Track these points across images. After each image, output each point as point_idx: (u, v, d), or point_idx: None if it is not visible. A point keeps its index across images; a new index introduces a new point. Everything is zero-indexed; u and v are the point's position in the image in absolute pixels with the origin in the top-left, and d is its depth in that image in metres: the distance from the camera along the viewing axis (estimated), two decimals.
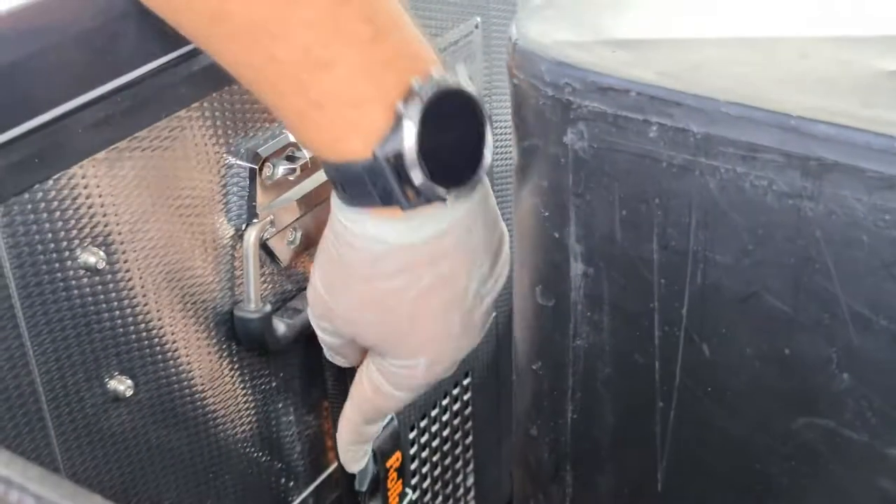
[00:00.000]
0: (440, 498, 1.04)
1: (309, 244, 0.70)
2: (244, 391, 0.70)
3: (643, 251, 0.48)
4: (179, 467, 0.66)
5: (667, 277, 0.48)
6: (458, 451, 1.04)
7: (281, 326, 0.68)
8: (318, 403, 0.78)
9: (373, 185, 0.50)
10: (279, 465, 0.76)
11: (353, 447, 0.72)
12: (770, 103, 0.43)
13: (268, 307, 0.66)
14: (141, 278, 0.59)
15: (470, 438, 1.05)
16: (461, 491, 1.07)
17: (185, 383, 0.64)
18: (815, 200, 0.42)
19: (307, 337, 0.73)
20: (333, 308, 0.58)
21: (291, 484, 0.78)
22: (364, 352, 0.64)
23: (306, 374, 0.75)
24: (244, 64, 0.51)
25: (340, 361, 0.67)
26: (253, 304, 0.66)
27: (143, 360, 0.61)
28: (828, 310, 0.43)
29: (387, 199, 0.50)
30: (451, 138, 0.51)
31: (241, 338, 0.67)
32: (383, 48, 0.49)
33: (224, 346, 0.67)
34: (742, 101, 0.43)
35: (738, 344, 0.47)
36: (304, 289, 0.72)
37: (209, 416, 0.67)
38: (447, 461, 1.02)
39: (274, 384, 0.72)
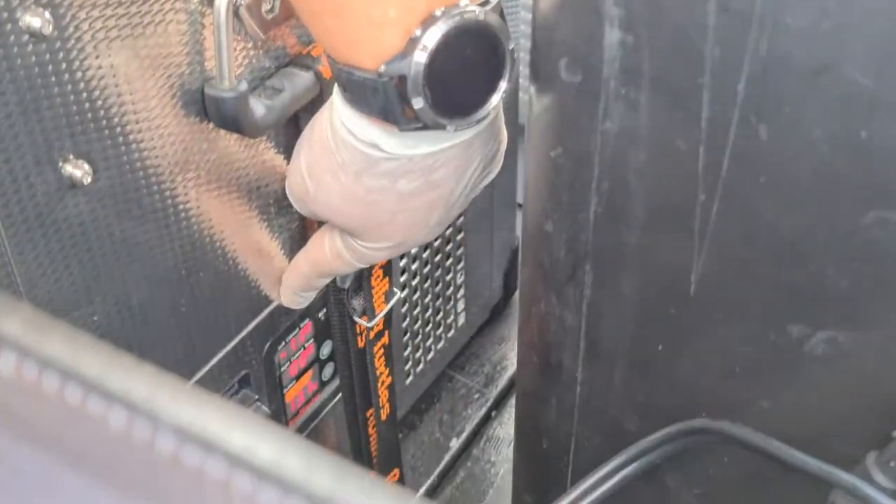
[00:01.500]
0: (429, 297, 0.99)
1: (290, 14, 0.61)
2: (218, 180, 0.62)
3: (696, 14, 0.40)
4: (147, 263, 0.60)
5: (723, 46, 0.40)
6: (448, 247, 0.98)
7: (259, 108, 0.60)
8: None
9: (374, 99, 0.50)
10: (257, 263, 0.70)
11: (301, 294, 0.72)
12: None
13: (243, 85, 0.58)
14: (95, 47, 0.51)
15: (461, 235, 0.99)
16: (451, 290, 1.03)
17: (151, 170, 0.57)
18: None
19: (289, 121, 0.66)
20: (315, 196, 0.59)
21: (271, 284, 0.72)
22: None
23: (286, 162, 0.68)
24: None
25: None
26: (226, 82, 0.58)
27: (102, 143, 0.54)
28: None
29: (386, 116, 0.51)
30: (465, 71, 0.50)
31: (213, 119, 0.59)
32: None
33: (195, 129, 0.59)
34: None
35: (804, 126, 0.40)
36: (285, 66, 0.64)
37: (179, 207, 0.60)
38: (437, 258, 0.97)
39: (252, 173, 0.65)
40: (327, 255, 0.65)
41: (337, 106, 0.54)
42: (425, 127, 0.50)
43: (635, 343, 0.52)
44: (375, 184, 0.55)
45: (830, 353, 0.44)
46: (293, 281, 0.71)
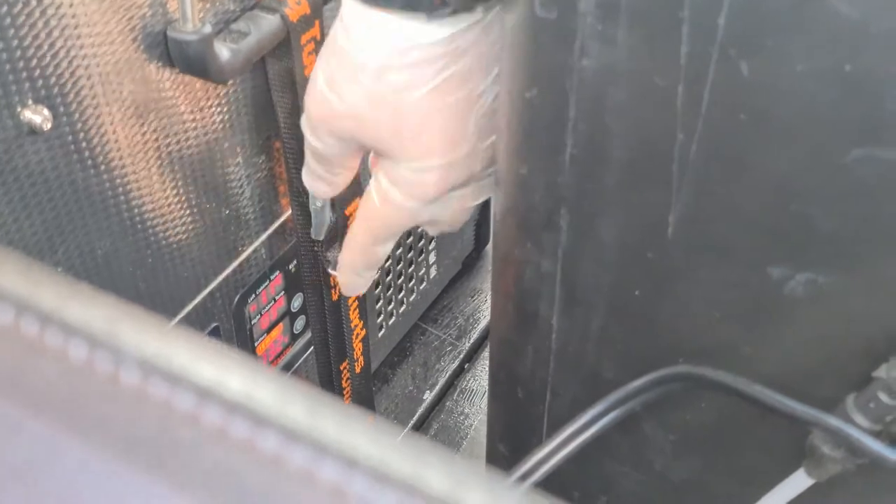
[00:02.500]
0: (400, 249, 0.98)
1: None
2: (184, 127, 0.61)
3: None
4: (112, 212, 0.58)
5: None
6: None
7: (224, 52, 0.58)
8: (269, 144, 0.69)
9: None
10: (226, 211, 0.68)
11: (363, 273, 0.65)
12: None
13: (207, 28, 0.56)
14: None
15: None
16: (422, 242, 1.02)
17: (113, 116, 0.55)
18: None
19: (255, 67, 0.64)
20: (337, 106, 0.55)
21: (241, 233, 0.71)
22: (355, 167, 0.62)
23: (255, 109, 0.66)
24: None
25: (323, 191, 0.62)
26: (190, 24, 0.56)
27: (62, 88, 0.52)
28: None
29: (413, 6, 0.49)
30: None
31: (177, 63, 0.57)
32: None
33: (158, 73, 0.57)
34: None
35: (787, 60, 0.38)
36: (251, 9, 0.62)
37: (142, 154, 0.58)
38: None
39: (218, 120, 0.63)
40: (376, 205, 0.59)
41: (350, 8, 0.52)
42: (454, 11, 0.49)
43: (613, 289, 0.51)
44: (399, 79, 0.53)
45: (810, 295, 0.43)
46: (352, 259, 0.64)
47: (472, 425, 1.03)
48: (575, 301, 0.53)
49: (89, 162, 0.55)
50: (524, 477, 0.49)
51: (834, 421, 0.42)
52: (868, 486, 0.49)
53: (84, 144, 0.54)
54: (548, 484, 0.66)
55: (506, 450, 0.69)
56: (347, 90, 0.54)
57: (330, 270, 0.75)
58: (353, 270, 0.65)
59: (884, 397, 0.42)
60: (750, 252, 0.45)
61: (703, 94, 0.41)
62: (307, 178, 0.61)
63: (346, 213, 0.73)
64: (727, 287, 0.46)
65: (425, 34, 0.51)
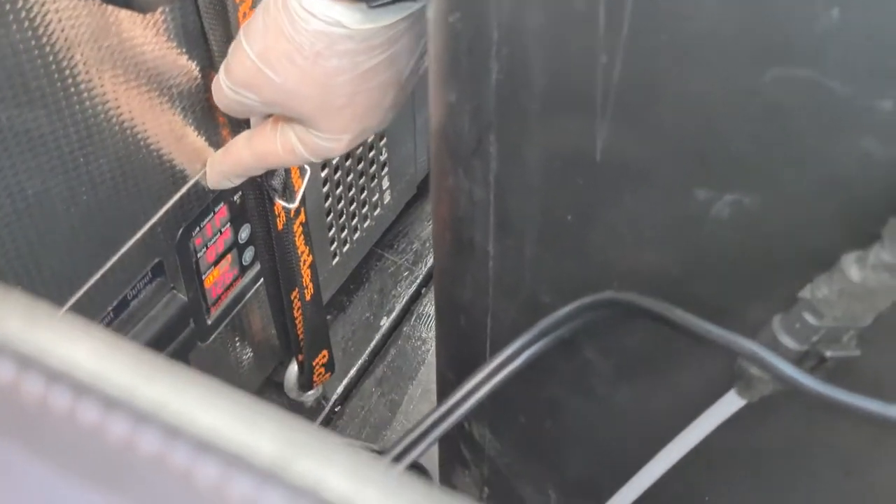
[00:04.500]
0: (352, 175, 0.97)
1: None
2: (112, 61, 0.59)
3: None
4: (41, 150, 0.57)
5: None
6: None
7: None
8: (205, 74, 0.68)
9: None
10: (162, 147, 0.67)
11: (232, 179, 0.70)
12: None
13: None
14: None
15: None
16: (374, 167, 1.01)
17: (39, 50, 0.54)
18: None
19: None
20: (268, 80, 0.57)
21: (181, 165, 0.70)
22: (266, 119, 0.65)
23: (187, 40, 0.65)
24: None
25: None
26: None
27: None
28: None
29: None
30: None
31: None
32: None
33: (83, 5, 0.56)
34: None
35: None
36: None
37: (71, 90, 0.57)
38: None
39: (148, 52, 0.62)
40: (278, 150, 0.63)
41: None
42: (393, 1, 0.51)
43: (544, 215, 0.50)
44: (335, 64, 0.55)
45: (736, 217, 0.43)
46: (228, 167, 0.68)
47: (429, 350, 1.03)
48: (508, 228, 0.53)
49: (14, 100, 0.54)
50: (459, 403, 0.49)
51: (753, 346, 0.42)
52: (801, 406, 0.50)
53: (8, 81, 0.53)
54: (494, 409, 0.66)
55: (453, 376, 0.69)
56: (281, 68, 0.56)
57: (277, 199, 0.74)
58: (223, 177, 0.70)
59: (809, 318, 0.42)
60: (676, 175, 0.44)
61: (623, 15, 0.41)
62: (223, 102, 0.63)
63: None
64: (655, 210, 0.46)
65: (366, 22, 0.52)
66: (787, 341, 0.43)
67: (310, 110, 0.58)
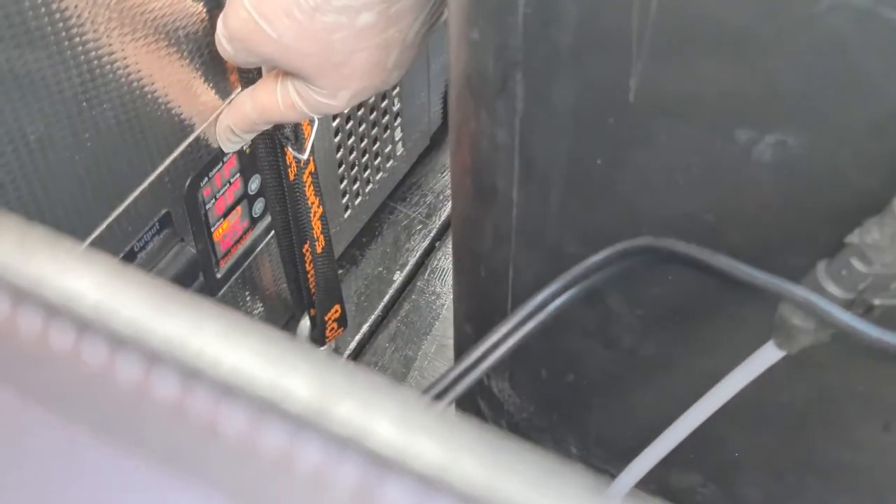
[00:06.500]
0: (364, 126, 0.94)
1: None
2: (118, 6, 0.57)
3: None
4: (42, 94, 0.55)
5: None
6: None
7: None
8: (212, 15, 0.65)
9: None
10: (170, 94, 0.64)
11: (241, 135, 0.69)
12: None
13: None
14: None
15: None
16: (386, 118, 0.98)
17: None
18: None
19: None
20: (265, 34, 0.56)
21: (189, 113, 0.67)
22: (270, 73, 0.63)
23: None
24: None
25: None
26: None
27: None
28: None
29: None
30: None
31: None
32: None
33: None
34: None
35: None
36: None
37: (73, 31, 0.55)
38: None
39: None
40: (279, 105, 0.62)
41: None
42: None
43: (573, 159, 0.48)
44: (333, 20, 0.53)
45: (779, 158, 0.41)
46: (236, 122, 0.67)
47: (444, 304, 1.01)
48: (533, 173, 0.50)
49: (13, 41, 0.51)
50: (483, 357, 0.47)
51: (802, 291, 0.40)
52: (841, 359, 0.48)
53: (7, 21, 0.50)
54: (514, 363, 0.64)
55: (471, 329, 0.67)
56: (278, 22, 0.55)
57: (289, 149, 0.72)
58: (231, 133, 0.68)
59: (857, 264, 0.40)
60: (715, 114, 0.42)
61: None
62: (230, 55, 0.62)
63: None
64: (692, 152, 0.43)
65: None
66: (833, 289, 0.40)
67: (308, 67, 0.57)
